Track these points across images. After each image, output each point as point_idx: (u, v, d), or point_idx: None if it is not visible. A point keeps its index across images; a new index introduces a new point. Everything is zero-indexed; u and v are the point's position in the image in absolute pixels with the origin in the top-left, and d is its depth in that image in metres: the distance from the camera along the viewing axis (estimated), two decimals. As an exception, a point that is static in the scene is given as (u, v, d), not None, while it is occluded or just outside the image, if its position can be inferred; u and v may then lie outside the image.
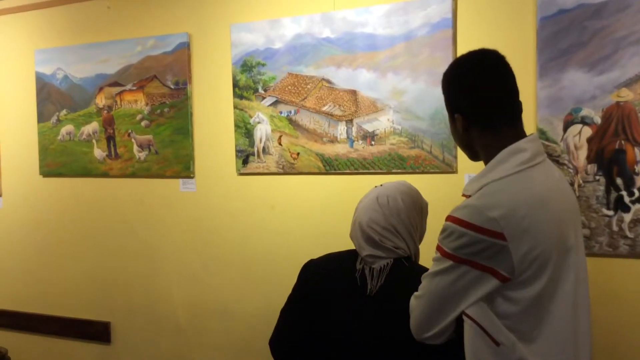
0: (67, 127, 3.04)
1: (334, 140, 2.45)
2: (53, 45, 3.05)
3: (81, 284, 3.04)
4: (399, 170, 2.34)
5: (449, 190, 2.21)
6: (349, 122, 2.42)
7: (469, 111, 1.35)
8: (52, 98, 3.07)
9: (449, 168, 2.26)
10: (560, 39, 2.07)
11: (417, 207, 1.61)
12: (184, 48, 2.73)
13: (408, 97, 2.30)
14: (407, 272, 1.47)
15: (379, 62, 2.35)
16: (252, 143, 2.62)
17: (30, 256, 3.18)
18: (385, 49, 2.34)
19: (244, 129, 2.63)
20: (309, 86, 2.49)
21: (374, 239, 1.54)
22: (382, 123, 2.36)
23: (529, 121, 2.07)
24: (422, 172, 2.30)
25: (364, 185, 2.39)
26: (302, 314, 1.61)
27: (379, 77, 2.35)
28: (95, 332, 2.99)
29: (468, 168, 2.20)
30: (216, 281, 2.75)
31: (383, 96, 2.35)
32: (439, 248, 1.30)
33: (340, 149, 2.44)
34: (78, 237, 3.05)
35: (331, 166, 2.46)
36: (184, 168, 2.78)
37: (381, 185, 1.65)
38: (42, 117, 3.10)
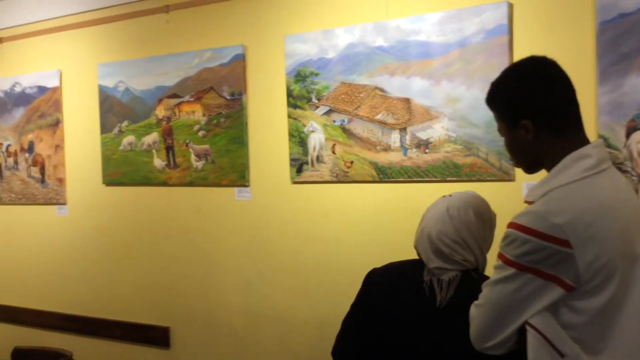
0: (129, 138, 3.15)
1: (387, 148, 2.45)
2: (115, 59, 3.18)
3: (142, 290, 3.14)
4: (454, 179, 2.32)
5: (506, 198, 2.17)
6: (403, 130, 2.42)
7: (542, 115, 1.30)
8: (114, 110, 3.20)
9: (507, 176, 2.22)
10: (621, 43, 2.01)
11: (486, 220, 1.58)
12: (240, 59, 2.80)
13: (463, 105, 2.28)
14: (476, 284, 1.45)
15: (433, 70, 2.34)
16: (305, 152, 2.65)
17: (94, 262, 3.31)
18: (439, 56, 2.33)
19: (298, 138, 2.66)
20: (362, 95, 2.50)
21: (443, 252, 1.52)
22: (436, 131, 2.35)
23: (590, 127, 2.01)
24: (478, 180, 2.27)
25: (417, 194, 2.39)
26: (367, 324, 1.60)
27: (433, 85, 2.34)
28: (155, 336, 3.08)
29: (527, 176, 2.16)
30: (271, 288, 2.78)
31: (437, 104, 2.34)
32: (500, 255, 1.28)
33: (393, 157, 2.44)
34: (139, 244, 3.15)
35: (385, 174, 2.47)
36: (239, 177, 2.84)
37: (450, 195, 1.62)
38: (105, 128, 3.23)
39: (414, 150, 2.40)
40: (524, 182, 2.18)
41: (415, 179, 2.40)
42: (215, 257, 2.93)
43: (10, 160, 3.60)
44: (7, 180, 3.63)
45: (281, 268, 2.75)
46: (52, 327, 3.42)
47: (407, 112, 2.40)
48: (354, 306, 1.69)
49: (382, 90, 2.45)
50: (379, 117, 2.46)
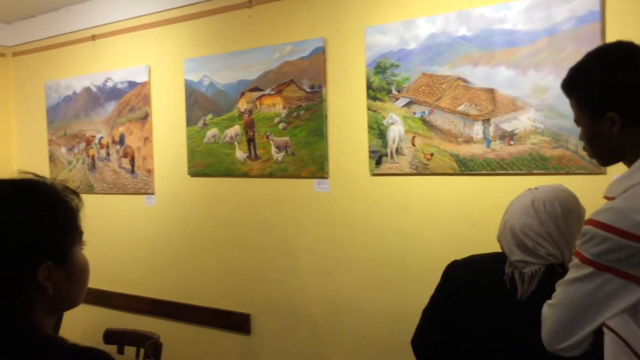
0: (212, 131, 3.26)
1: (469, 140, 2.40)
2: (200, 54, 3.29)
3: (224, 277, 3.25)
4: (541, 171, 2.24)
5: (596, 192, 2.05)
6: (486, 121, 2.36)
7: (631, 107, 1.23)
8: (199, 103, 3.31)
9: (597, 169, 2.12)
10: None
11: (574, 215, 1.52)
12: (320, 52, 2.82)
13: (551, 95, 2.20)
14: (560, 279, 1.41)
15: (519, 59, 2.26)
16: (385, 144, 2.64)
17: (180, 250, 3.45)
18: (526, 44, 2.25)
19: (377, 130, 2.66)
20: (443, 86, 2.46)
21: (526, 245, 1.49)
22: (522, 122, 2.27)
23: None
24: (567, 173, 2.18)
25: (501, 187, 2.33)
26: (447, 315, 1.60)
27: (519, 75, 2.27)
28: (236, 323, 3.18)
29: (619, 169, 2.05)
30: (349, 280, 2.80)
31: (523, 94, 2.26)
32: (577, 254, 1.22)
33: (476, 149, 2.39)
34: (222, 233, 3.26)
35: (466, 167, 2.42)
36: (318, 169, 2.87)
37: (536, 188, 1.58)
38: (190, 121, 3.35)
39: (498, 142, 2.33)
40: (616, 175, 2.07)
41: (498, 172, 2.34)
42: (295, 247, 2.98)
43: (103, 151, 3.81)
44: (99, 171, 3.84)
45: (360, 259, 2.77)
46: (140, 310, 3.60)
47: (491, 102, 2.34)
48: (434, 297, 1.68)
49: (464, 80, 2.40)
50: (461, 108, 2.41)
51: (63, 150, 4.04)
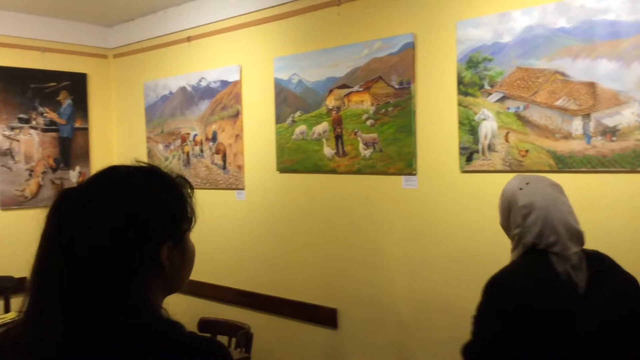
0: (301, 127, 3.32)
1: (567, 136, 2.31)
2: (289, 53, 3.36)
3: (312, 271, 3.31)
4: (646, 169, 2.12)
5: None
6: (586, 116, 2.26)
7: None
8: (288, 101, 3.38)
9: None
10: None
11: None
12: (409, 48, 2.80)
13: (659, 88, 2.07)
14: (608, 262, 1.44)
15: (623, 51, 2.15)
16: (476, 140, 2.58)
17: (268, 244, 3.54)
18: (630, 36, 2.13)
19: (468, 126, 2.61)
20: (539, 80, 2.38)
21: (579, 233, 1.50)
22: (625, 117, 2.16)
23: None
24: (676, 171, 2.05)
25: (601, 185, 2.23)
26: (514, 336, 1.47)
27: (622, 67, 2.16)
28: (323, 317, 3.23)
29: None
30: (437, 277, 2.77)
31: (627, 88, 2.15)
32: None
33: (575, 146, 2.29)
34: (309, 228, 3.32)
35: (564, 164, 2.32)
36: (406, 165, 2.85)
37: (527, 183, 1.60)
38: (279, 118, 3.43)
39: (599, 138, 2.23)
40: None
41: (599, 169, 2.23)
42: (382, 243, 2.98)
43: (197, 148, 3.98)
44: (193, 167, 4.01)
45: (449, 257, 2.73)
46: (230, 301, 3.73)
47: (591, 97, 2.24)
48: (490, 322, 1.54)
49: (562, 74, 2.31)
50: (558, 103, 2.32)
51: (160, 147, 4.25)
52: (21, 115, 4.18)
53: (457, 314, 2.71)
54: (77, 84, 4.44)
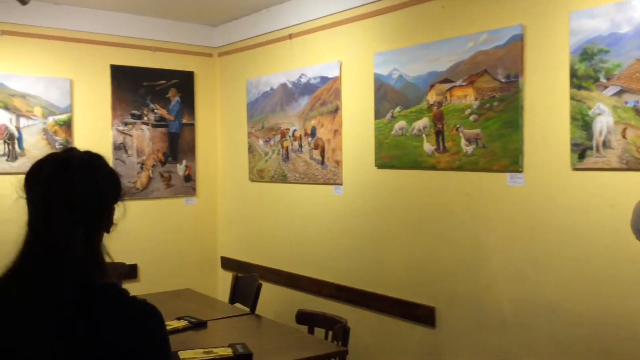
0: (400, 123, 3.29)
1: (695, 132, 2.13)
2: (390, 48, 3.34)
3: (409, 268, 3.28)
4: None
5: None
6: None
7: None
8: (387, 97, 3.36)
9: None
10: None
11: None
12: (517, 40, 2.70)
13: None
14: None
15: None
16: (590, 136, 2.45)
17: (365, 239, 3.55)
18: None
19: (581, 121, 2.47)
20: (664, 72, 2.21)
21: None
22: None
23: None
24: None
25: None
26: None
27: None
28: (420, 315, 3.19)
29: None
30: (545, 278, 2.66)
31: None
32: None
33: None
34: (407, 225, 3.29)
35: (691, 162, 2.15)
36: (512, 162, 2.75)
37: None
38: (378, 114, 3.42)
39: None
40: None
41: None
42: (484, 242, 2.90)
43: (296, 143, 4.05)
44: (292, 162, 4.09)
45: (556, 258, 2.61)
46: (327, 295, 3.78)
47: None
48: None
49: (691, 65, 2.13)
50: (686, 96, 2.15)
51: (260, 142, 4.37)
52: (134, 112, 4.45)
53: (564, 316, 2.59)
54: (185, 82, 4.67)
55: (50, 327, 1.12)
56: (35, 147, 4.02)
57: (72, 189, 1.18)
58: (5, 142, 3.95)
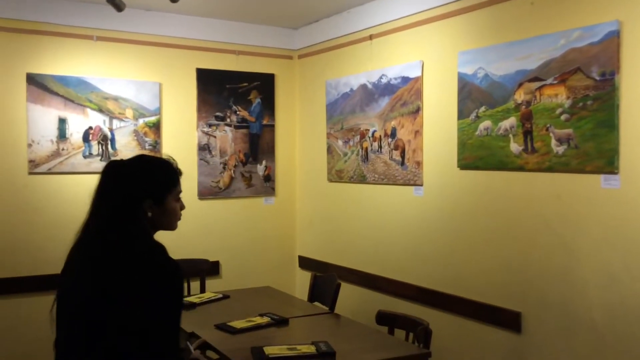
0: (485, 123, 3.22)
1: None
2: (475, 47, 3.27)
3: (493, 272, 3.20)
4: None
5: None
6: None
7: None
8: (472, 96, 3.30)
9: None
10: None
11: None
12: (614, 37, 2.58)
13: None
14: None
15: None
16: (695, 136, 2.31)
17: (447, 241, 3.50)
18: None
19: (686, 120, 2.34)
20: None
21: None
22: None
23: None
24: None
25: None
26: None
27: None
28: (505, 320, 3.11)
29: None
30: (641, 286, 2.53)
31: None
32: None
33: None
34: (492, 227, 3.21)
35: None
36: (606, 163, 2.64)
37: None
38: (462, 114, 3.36)
39: None
40: None
41: None
42: (575, 246, 2.79)
43: (375, 144, 4.05)
44: (371, 162, 4.09)
45: (656, 265, 2.47)
46: (407, 297, 3.75)
47: None
48: None
49: None
50: None
51: (339, 142, 4.40)
52: (218, 114, 4.59)
53: (665, 328, 2.45)
54: (265, 84, 4.77)
55: (86, 259, 1.72)
56: (127, 148, 4.23)
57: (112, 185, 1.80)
58: (99, 142, 4.17)
